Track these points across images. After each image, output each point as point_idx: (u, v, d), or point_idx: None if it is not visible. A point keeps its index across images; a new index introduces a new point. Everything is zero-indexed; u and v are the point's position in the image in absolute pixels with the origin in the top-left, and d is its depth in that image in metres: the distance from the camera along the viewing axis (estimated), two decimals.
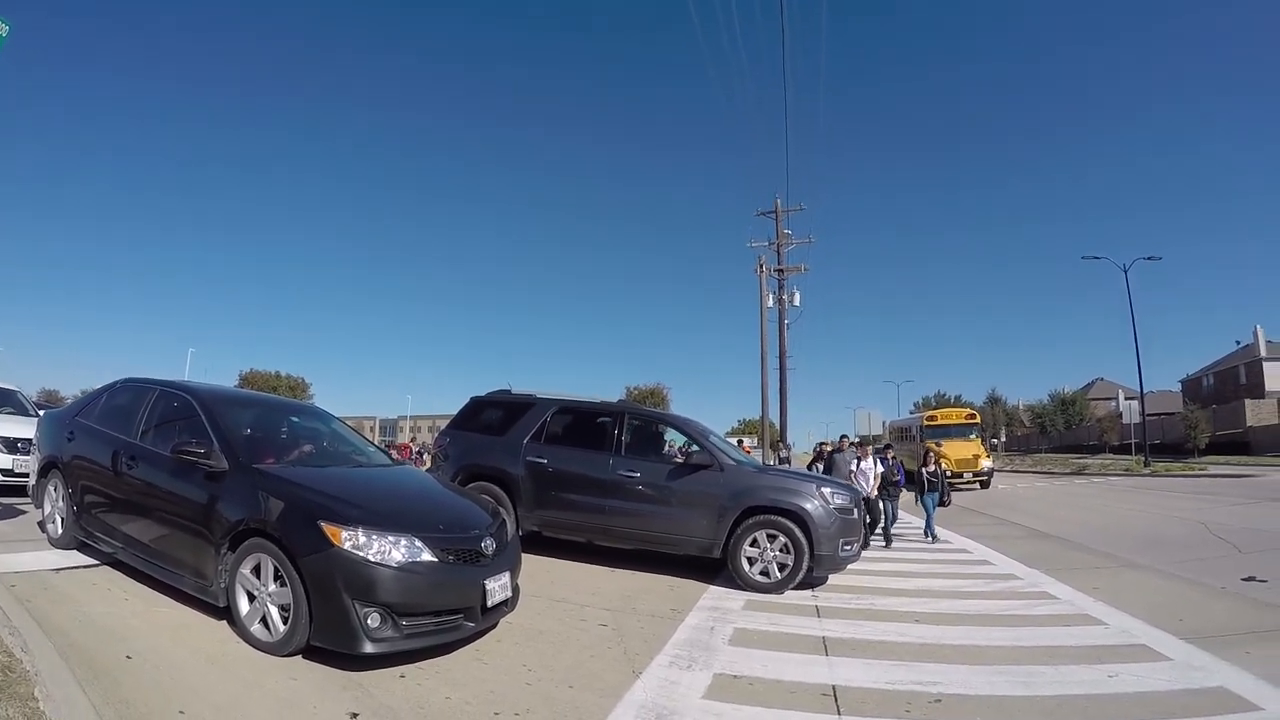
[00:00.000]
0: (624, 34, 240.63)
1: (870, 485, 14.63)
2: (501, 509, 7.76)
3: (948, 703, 5.57)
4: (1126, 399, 50.34)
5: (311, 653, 5.61)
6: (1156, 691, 5.78)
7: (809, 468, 18.28)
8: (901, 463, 16.74)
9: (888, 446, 17.15)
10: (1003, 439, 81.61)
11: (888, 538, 14.83)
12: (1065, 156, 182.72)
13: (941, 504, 16.07)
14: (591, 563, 10.86)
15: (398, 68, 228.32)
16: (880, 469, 15.21)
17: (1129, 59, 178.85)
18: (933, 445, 21.40)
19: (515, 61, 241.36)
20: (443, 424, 15.29)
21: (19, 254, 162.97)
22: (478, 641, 6.44)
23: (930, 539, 15.29)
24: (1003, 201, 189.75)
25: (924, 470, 16.02)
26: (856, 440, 17.67)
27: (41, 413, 12.64)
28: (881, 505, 14.96)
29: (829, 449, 18.23)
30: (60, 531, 8.24)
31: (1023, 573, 11.36)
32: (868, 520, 13.20)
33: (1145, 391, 45.29)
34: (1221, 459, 46.08)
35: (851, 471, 14.86)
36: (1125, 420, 49.47)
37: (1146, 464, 41.72)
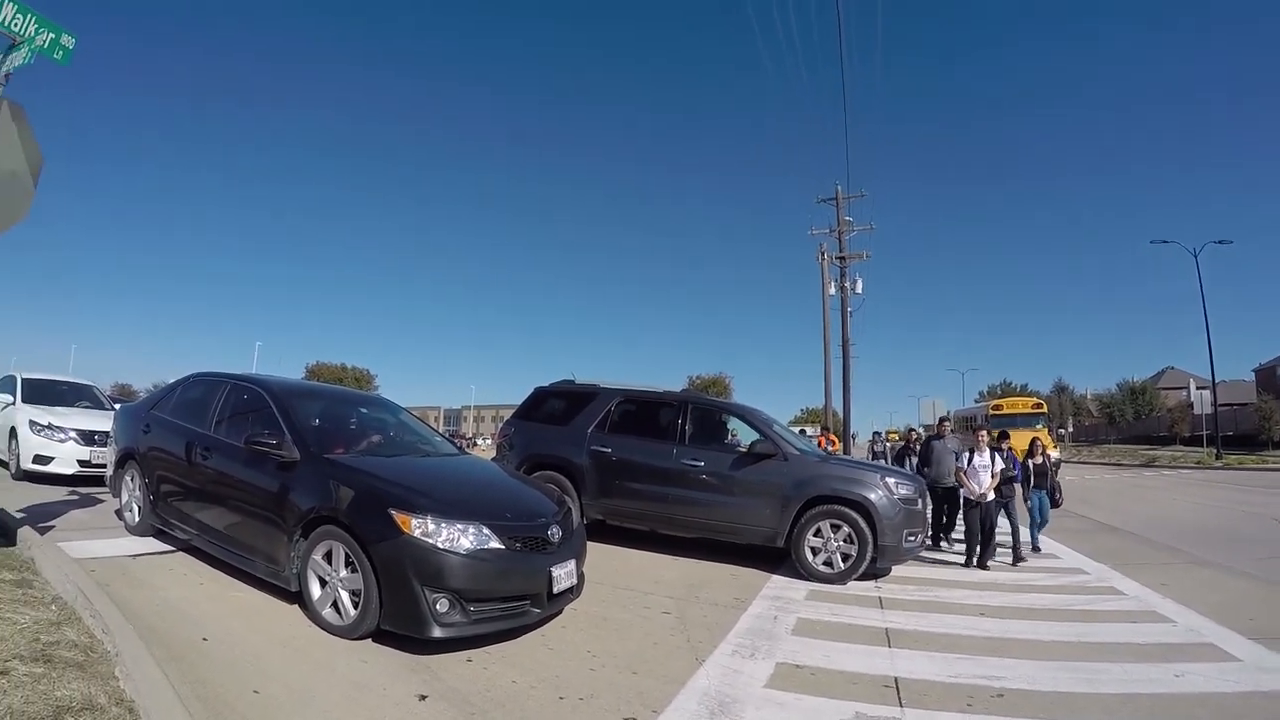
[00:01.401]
0: (683, 22, 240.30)
1: (986, 484, 11.37)
2: (567, 497, 7.81)
3: (1010, 698, 5.49)
4: (1198, 388, 48.99)
5: (381, 637, 5.73)
6: (1224, 693, 5.65)
7: (898, 458, 17.26)
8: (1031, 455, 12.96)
9: (1003, 435, 13.05)
10: (1070, 429, 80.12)
11: (1016, 552, 11.68)
12: (1135, 139, 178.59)
13: (1054, 504, 13.03)
14: (655, 551, 10.89)
15: (459, 56, 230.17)
16: (1000, 464, 11.58)
17: (1199, 40, 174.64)
18: (1036, 433, 19.95)
19: (577, 49, 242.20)
20: (506, 414, 15.40)
21: (90, 255, 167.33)
22: (543, 627, 6.53)
23: (1033, 549, 12.46)
24: (1071, 186, 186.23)
25: (1030, 462, 12.75)
26: (946, 420, 14.55)
27: (117, 406, 13.00)
28: (1000, 512, 11.79)
29: (917, 435, 17.22)
30: (137, 519, 8.51)
31: (1090, 567, 11.18)
32: (981, 533, 11.24)
33: (1217, 381, 44.24)
34: None
35: (960, 468, 11.78)
36: (1196, 411, 48.10)
37: (1218, 456, 40.85)
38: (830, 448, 21.82)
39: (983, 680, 5.83)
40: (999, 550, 11.88)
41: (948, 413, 29.83)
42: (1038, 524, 12.81)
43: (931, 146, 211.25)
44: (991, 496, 11.46)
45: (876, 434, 25.07)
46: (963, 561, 11.42)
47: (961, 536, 12.09)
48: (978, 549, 11.28)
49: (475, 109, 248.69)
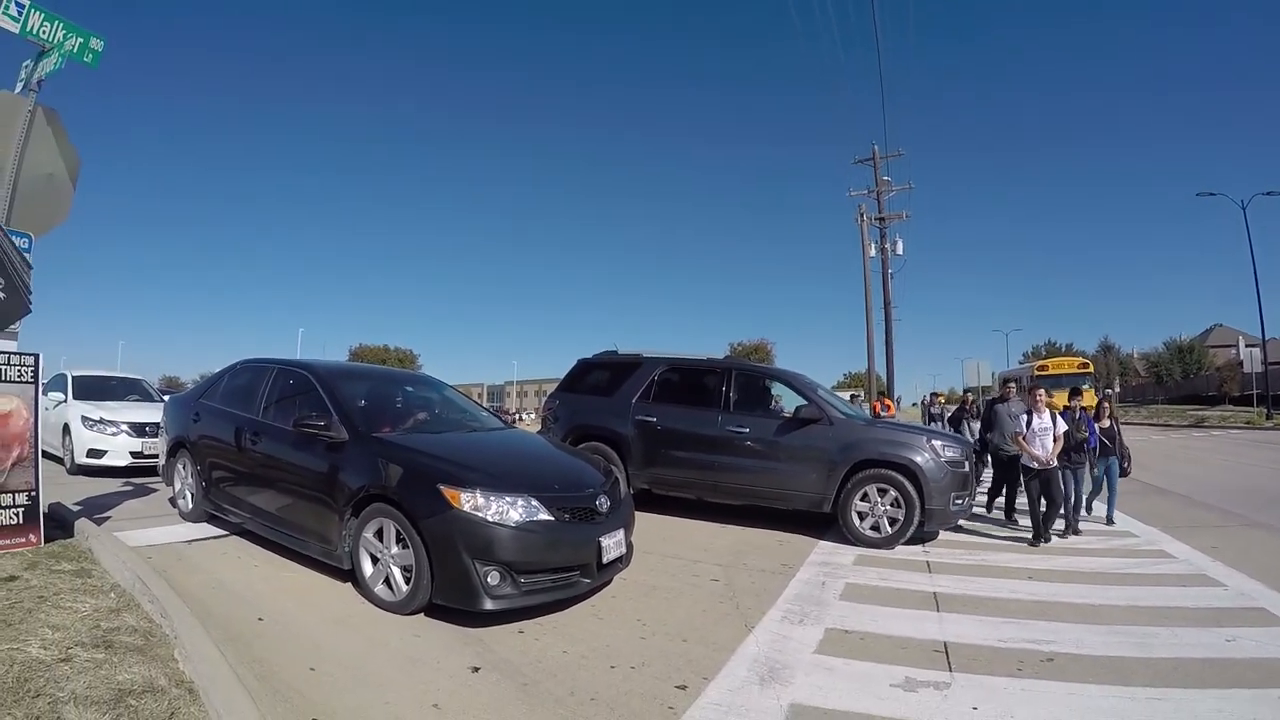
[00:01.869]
0: None
1: (1050, 450, 10.29)
2: (613, 468, 7.85)
3: (1060, 662, 5.45)
4: (1247, 346, 47.99)
5: (433, 611, 5.82)
6: (1276, 658, 5.54)
7: (954, 422, 16.34)
8: (1090, 416, 11.73)
9: (1074, 393, 11.79)
10: (1117, 389, 79.15)
11: (1070, 521, 10.87)
12: (1176, 88, 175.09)
13: (1123, 472, 11.90)
14: (701, 519, 10.90)
15: (499, 36, 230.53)
16: (1063, 426, 10.58)
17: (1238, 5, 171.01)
18: (1096, 395, 17.95)
19: (609, 26, 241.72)
20: (548, 388, 15.49)
21: (132, 252, 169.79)
22: (593, 597, 6.60)
23: (1107, 522, 11.60)
24: (1111, 140, 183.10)
25: (1096, 426, 11.57)
26: (1011, 382, 13.61)
27: (166, 397, 13.22)
28: (1064, 478, 10.72)
29: (973, 399, 16.39)
30: (190, 506, 8.68)
31: (1139, 530, 11.01)
32: (1049, 505, 10.19)
33: (1268, 338, 43.33)
34: None
35: (1018, 433, 10.67)
36: (1246, 369, 47.14)
37: (1269, 416, 39.88)
38: (886, 413, 21.46)
39: (1031, 644, 5.79)
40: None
41: (1016, 374, 29.20)
42: (1108, 496, 11.76)
43: (972, 104, 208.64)
44: (1055, 463, 10.35)
45: (933, 394, 24.39)
46: (1029, 539, 10.11)
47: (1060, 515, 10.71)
48: (1041, 524, 10.12)
49: (509, 86, 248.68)
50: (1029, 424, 10.50)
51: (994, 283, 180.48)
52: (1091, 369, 40.54)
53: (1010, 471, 11.92)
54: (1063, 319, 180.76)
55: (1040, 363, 42.99)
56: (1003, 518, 12.13)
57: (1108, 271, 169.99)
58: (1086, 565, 8.80)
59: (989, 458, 12.66)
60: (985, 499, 12.83)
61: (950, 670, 5.25)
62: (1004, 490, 12.33)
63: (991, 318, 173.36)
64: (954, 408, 18.26)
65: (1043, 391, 10.91)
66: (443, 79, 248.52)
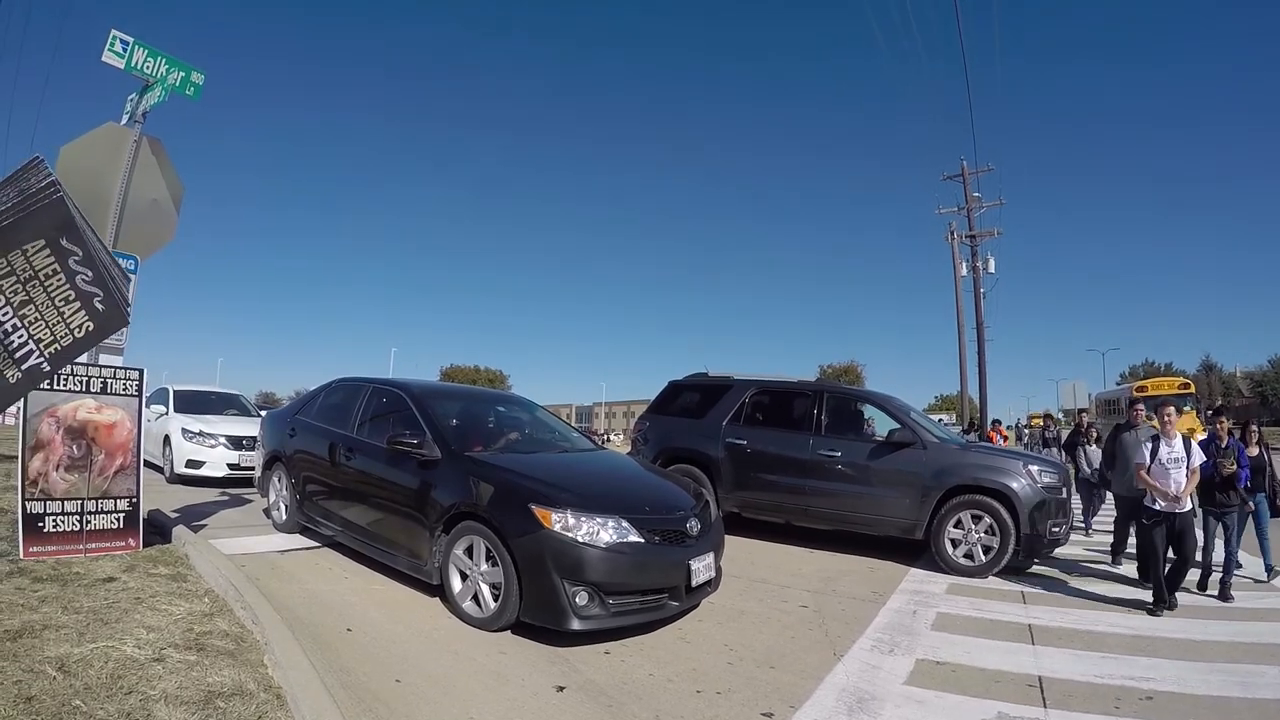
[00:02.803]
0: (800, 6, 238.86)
1: (1183, 486, 8.08)
2: (703, 490, 7.82)
3: (1160, 700, 5.25)
4: None
5: (520, 629, 5.82)
6: None
7: (1065, 449, 15.43)
8: (1242, 442, 9.54)
9: (1217, 412, 10.18)
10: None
11: (1221, 579, 8.64)
12: (1270, 97, 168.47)
13: (1274, 511, 9.67)
14: (791, 544, 10.79)
15: (573, 59, 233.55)
16: (1200, 456, 8.38)
17: None
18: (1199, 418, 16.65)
19: (695, 48, 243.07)
20: (637, 410, 15.54)
21: (230, 271, 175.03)
22: (681, 621, 6.54)
23: (1269, 573, 9.79)
24: (1207, 150, 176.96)
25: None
26: (1140, 405, 11.24)
27: (263, 413, 13.57)
28: (1207, 525, 9.18)
29: (1090, 422, 14.98)
30: (284, 517, 8.89)
31: (1244, 560, 10.15)
32: (1181, 558, 8.06)
33: None
34: None
35: (1139, 464, 8.48)
36: None
37: None
38: (1003, 441, 20.76)
39: (1131, 681, 5.60)
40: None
41: (1114, 396, 28.02)
42: (1260, 542, 9.79)
43: (1064, 118, 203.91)
44: (1188, 505, 8.23)
45: (1031, 417, 23.13)
46: (1150, 604, 7.91)
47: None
48: (1165, 584, 7.93)
49: (606, 108, 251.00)
50: (1154, 453, 8.35)
51: (1089, 301, 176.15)
52: (1193, 389, 39.30)
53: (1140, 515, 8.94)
54: (1162, 338, 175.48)
55: (1139, 383, 41.84)
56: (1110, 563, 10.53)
57: (1210, 286, 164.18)
58: (1188, 600, 8.31)
59: (1106, 495, 11.69)
60: (1109, 549, 10.95)
61: (1045, 706, 5.10)
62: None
63: (1087, 337, 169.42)
64: (1056, 429, 17.22)
65: (1171, 410, 8.76)
66: (544, 92, 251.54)
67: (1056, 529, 9.57)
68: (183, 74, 8.41)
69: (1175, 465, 8.14)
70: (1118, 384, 66.98)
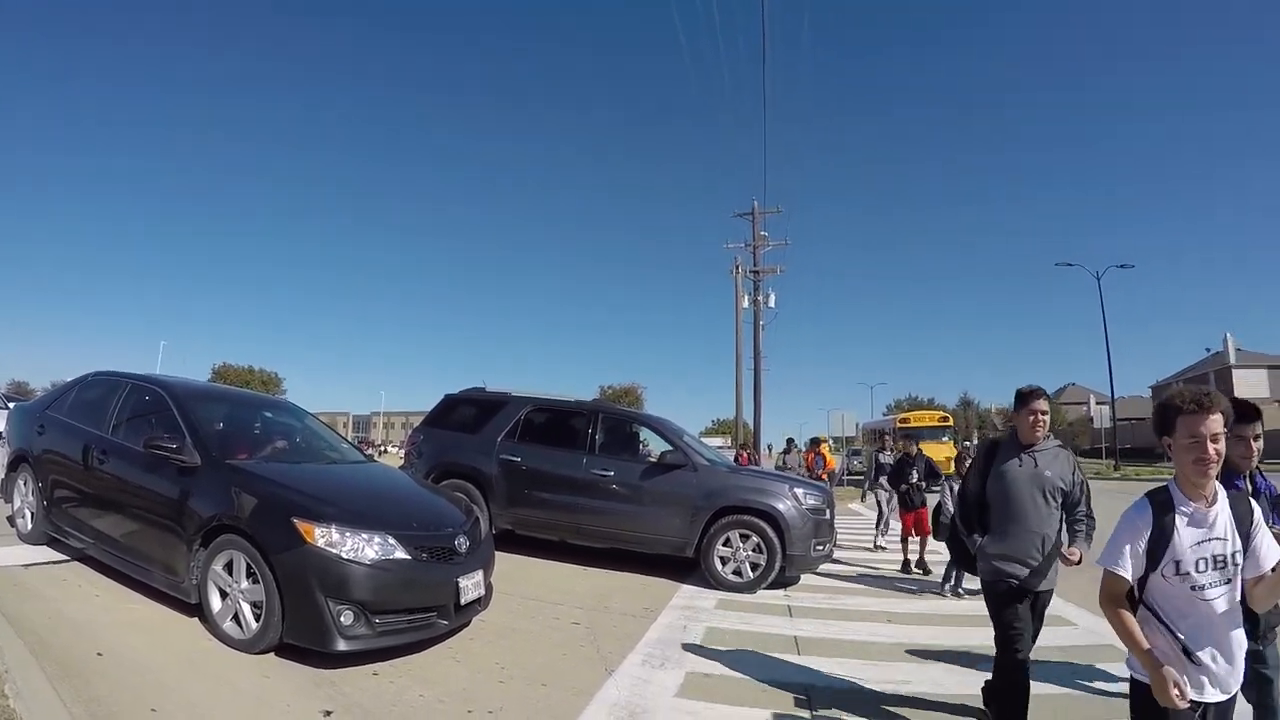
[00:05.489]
0: (604, 36, 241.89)
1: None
2: (475, 507, 7.78)
3: (917, 702, 5.64)
4: (1098, 404, 50.85)
5: (284, 650, 5.58)
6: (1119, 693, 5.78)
7: (894, 479, 13.29)
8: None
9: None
10: (975, 441, 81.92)
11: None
12: (1040, 165, 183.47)
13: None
14: (564, 561, 10.85)
15: (390, 64, 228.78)
16: None
17: (1101, 71, 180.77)
18: (895, 445, 16.61)
19: (490, 64, 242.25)
20: (416, 420, 15.26)
21: None
22: (451, 639, 6.44)
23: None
24: (977, 209, 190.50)
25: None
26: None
27: (11, 405, 12.57)
28: None
29: (916, 450, 13.36)
30: (30, 526, 8.17)
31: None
32: None
33: (1116, 396, 46.14)
34: None
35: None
36: (1096, 424, 50.12)
37: (1117, 468, 42.46)
38: (824, 463, 21.18)
39: (891, 685, 5.96)
40: None
41: (880, 426, 29.06)
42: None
43: (852, 166, 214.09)
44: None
45: (815, 441, 22.31)
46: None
47: None
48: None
49: (364, 120, 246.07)
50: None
51: (861, 336, 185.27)
52: (951, 422, 42.11)
53: None
54: (926, 374, 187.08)
55: (903, 415, 44.60)
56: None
57: (970, 331, 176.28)
58: (946, 608, 9.28)
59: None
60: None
61: (812, 711, 5.36)
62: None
63: (857, 371, 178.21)
64: (879, 453, 16.52)
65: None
66: (347, 97, 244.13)
67: (820, 547, 10.09)
68: None
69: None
70: (884, 415, 70.60)
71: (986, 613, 7.86)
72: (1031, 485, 5.09)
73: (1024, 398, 5.14)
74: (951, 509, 9.02)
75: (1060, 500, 5.16)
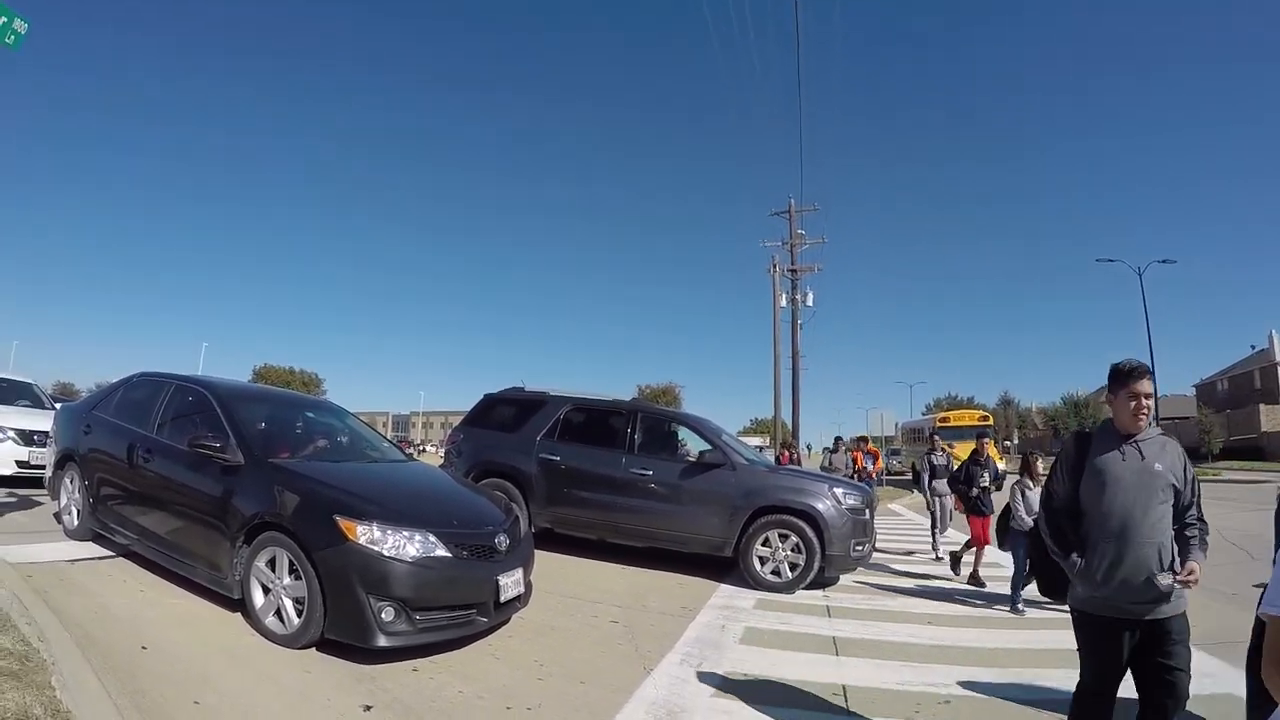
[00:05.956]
0: (637, 34, 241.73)
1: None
2: (515, 505, 7.80)
3: (956, 704, 5.58)
4: None
5: (325, 646, 5.64)
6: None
7: (967, 482, 12.27)
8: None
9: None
10: (1015, 441, 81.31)
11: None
12: (1081, 159, 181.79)
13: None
14: (603, 560, 10.86)
15: (405, 71, 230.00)
16: None
17: (1152, 68, 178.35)
18: (945, 445, 15.49)
19: (525, 62, 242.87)
20: (455, 420, 15.33)
21: (34, 250, 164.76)
22: (490, 636, 6.47)
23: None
24: (1019, 205, 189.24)
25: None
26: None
27: (58, 405, 12.72)
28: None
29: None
30: (76, 523, 8.29)
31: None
32: None
33: (1159, 395, 45.21)
34: (1236, 464, 46.06)
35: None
36: None
37: None
38: (874, 460, 21.02)
39: (929, 688, 5.90)
40: None
41: (919, 425, 28.91)
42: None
43: (886, 163, 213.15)
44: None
45: (859, 439, 21.64)
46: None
47: None
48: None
49: (398, 125, 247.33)
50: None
51: (901, 336, 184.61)
52: (991, 421, 41.62)
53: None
54: (966, 373, 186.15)
55: (942, 414, 44.10)
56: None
57: (1010, 329, 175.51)
58: (988, 611, 9.07)
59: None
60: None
61: (849, 712, 5.33)
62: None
63: (897, 370, 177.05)
64: (930, 454, 14.96)
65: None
66: (378, 102, 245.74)
67: (859, 548, 10.02)
68: (4, 20, 7.72)
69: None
70: (923, 414, 70.05)
71: (1030, 613, 7.76)
72: (1140, 484, 3.98)
73: (1122, 376, 4.04)
74: (1025, 515, 8.90)
75: (1172, 501, 4.01)
